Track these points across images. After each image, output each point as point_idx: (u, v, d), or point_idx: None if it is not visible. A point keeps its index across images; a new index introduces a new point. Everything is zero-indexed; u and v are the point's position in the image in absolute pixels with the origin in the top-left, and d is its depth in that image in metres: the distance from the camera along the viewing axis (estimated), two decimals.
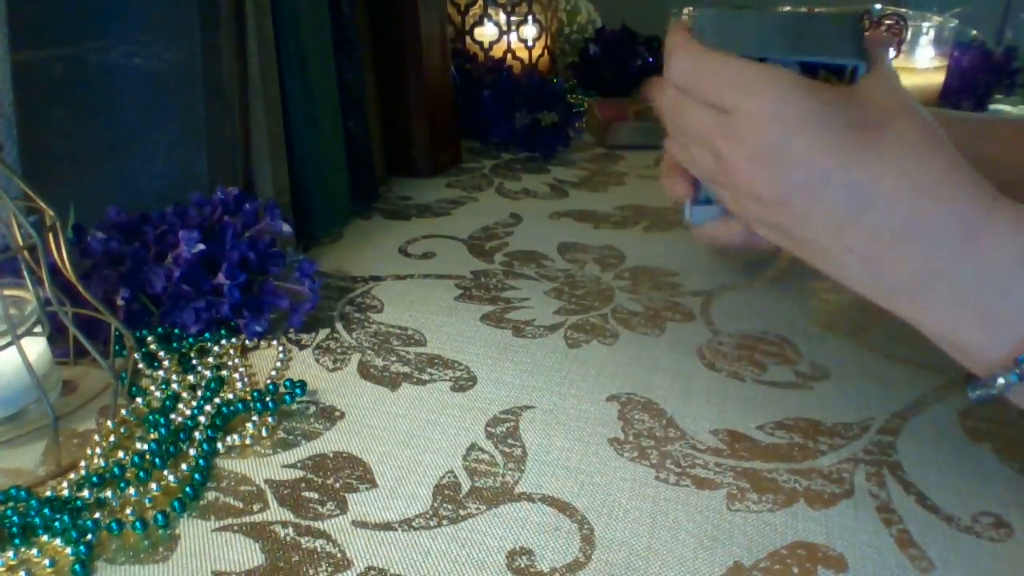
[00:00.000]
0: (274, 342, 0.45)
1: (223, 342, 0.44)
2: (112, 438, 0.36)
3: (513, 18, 0.95)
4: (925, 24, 0.93)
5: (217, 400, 0.39)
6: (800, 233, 0.33)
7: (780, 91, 0.32)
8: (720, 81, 0.34)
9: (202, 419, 0.37)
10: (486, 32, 0.95)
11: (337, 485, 0.34)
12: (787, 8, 0.95)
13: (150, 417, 0.37)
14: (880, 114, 0.32)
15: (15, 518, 0.31)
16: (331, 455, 0.36)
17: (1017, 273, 0.29)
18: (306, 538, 0.31)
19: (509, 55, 0.95)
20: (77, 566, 0.29)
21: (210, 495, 0.34)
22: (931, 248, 0.30)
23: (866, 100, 0.33)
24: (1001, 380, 0.29)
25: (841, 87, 0.33)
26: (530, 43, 0.96)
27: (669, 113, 0.37)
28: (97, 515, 0.32)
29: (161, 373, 0.41)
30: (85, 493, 0.33)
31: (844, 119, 0.32)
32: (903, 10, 0.88)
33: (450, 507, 0.33)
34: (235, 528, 0.32)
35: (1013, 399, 0.30)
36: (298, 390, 0.39)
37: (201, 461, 0.35)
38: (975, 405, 0.39)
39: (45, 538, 0.31)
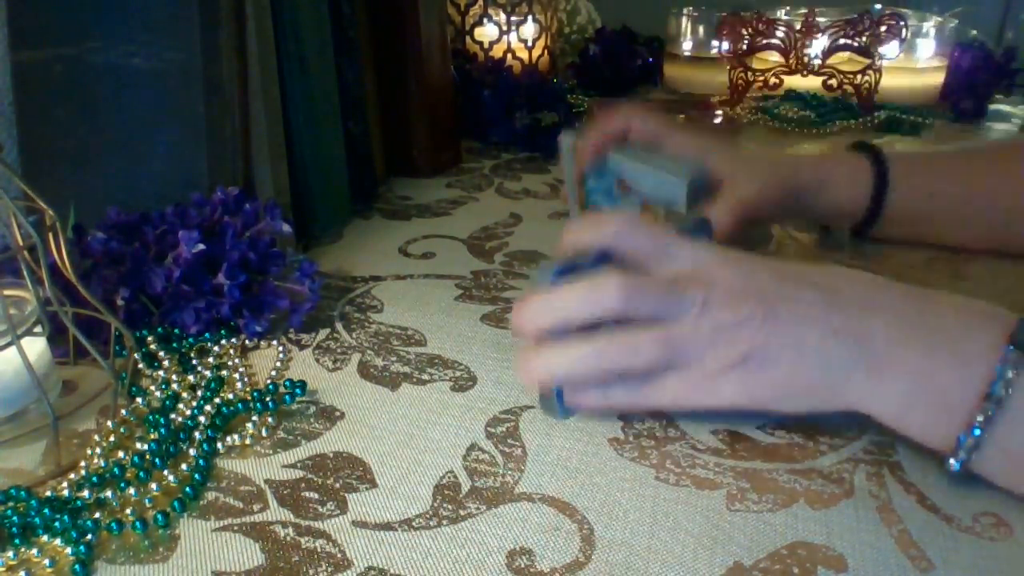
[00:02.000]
0: (274, 342, 0.45)
1: (223, 342, 0.44)
2: (112, 438, 0.36)
3: (513, 18, 0.95)
4: (925, 24, 0.93)
5: (217, 400, 0.39)
6: (790, 335, 0.33)
7: (731, 257, 0.37)
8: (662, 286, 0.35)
9: (202, 419, 0.37)
10: (486, 32, 0.95)
11: (337, 485, 0.34)
12: (786, 9, 0.95)
13: (150, 417, 0.37)
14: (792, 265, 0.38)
15: (15, 518, 0.31)
16: (331, 455, 0.36)
17: (968, 318, 0.33)
18: (306, 538, 0.31)
19: (509, 55, 0.95)
20: (77, 566, 0.29)
21: (210, 495, 0.34)
22: (900, 306, 0.34)
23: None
24: (981, 417, 0.31)
25: None
26: (530, 43, 0.96)
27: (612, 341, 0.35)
28: (97, 515, 0.32)
29: (161, 373, 0.41)
30: (85, 493, 0.33)
31: (774, 263, 0.37)
32: (903, 10, 0.88)
33: (450, 507, 0.33)
34: (235, 528, 0.32)
35: (988, 459, 0.32)
36: (298, 390, 0.39)
37: (201, 461, 0.35)
38: None
39: (45, 538, 0.31)
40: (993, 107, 0.92)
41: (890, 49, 0.87)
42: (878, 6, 0.92)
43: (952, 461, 0.32)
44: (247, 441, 0.37)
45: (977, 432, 0.31)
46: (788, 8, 0.97)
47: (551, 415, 0.38)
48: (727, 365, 0.34)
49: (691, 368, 0.34)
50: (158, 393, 0.40)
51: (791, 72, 0.92)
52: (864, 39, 0.86)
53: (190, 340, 0.44)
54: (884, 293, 0.35)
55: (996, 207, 0.52)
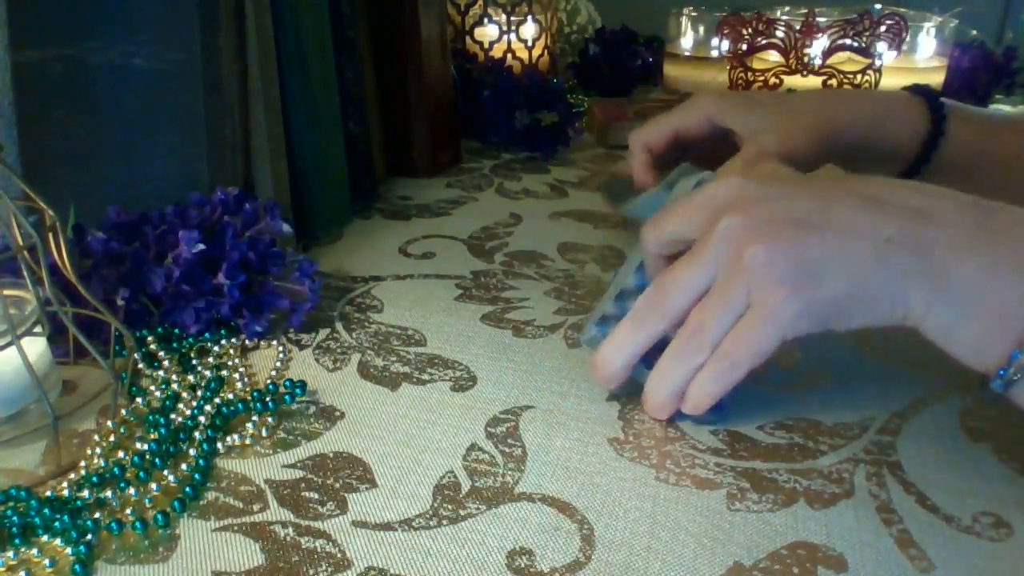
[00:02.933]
0: (274, 342, 0.45)
1: (223, 342, 0.44)
2: (112, 438, 0.36)
3: (513, 18, 0.95)
4: (925, 24, 0.93)
5: (217, 400, 0.39)
6: (839, 247, 0.32)
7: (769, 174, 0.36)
8: (692, 210, 0.35)
9: (202, 419, 0.37)
10: (486, 32, 0.95)
11: (337, 485, 0.34)
12: (786, 9, 0.95)
13: (150, 417, 0.37)
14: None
15: (15, 518, 0.31)
16: (331, 455, 0.36)
17: (1016, 270, 0.30)
18: (306, 538, 0.31)
19: (509, 55, 0.95)
20: (77, 566, 0.29)
21: (210, 495, 0.34)
22: (956, 216, 0.31)
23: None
24: (1010, 370, 0.30)
25: None
26: (530, 43, 0.96)
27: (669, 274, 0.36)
28: (97, 515, 0.32)
29: (161, 373, 0.41)
30: (85, 493, 0.33)
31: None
32: (903, 10, 0.88)
33: (450, 507, 0.33)
34: (235, 528, 0.32)
35: (1015, 397, 0.30)
36: (298, 390, 0.39)
37: (201, 461, 0.35)
38: (975, 405, 0.39)
39: (45, 538, 0.31)
40: (993, 107, 0.92)
41: (890, 49, 0.87)
42: (878, 6, 0.92)
43: (996, 382, 0.30)
44: (247, 441, 0.37)
45: None
46: (788, 8, 0.97)
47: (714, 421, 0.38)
48: (781, 292, 0.32)
49: (752, 310, 0.33)
50: (158, 393, 0.40)
51: (791, 72, 0.92)
52: (864, 39, 0.86)
53: (190, 340, 0.44)
54: (939, 200, 0.32)
55: None
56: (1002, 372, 0.30)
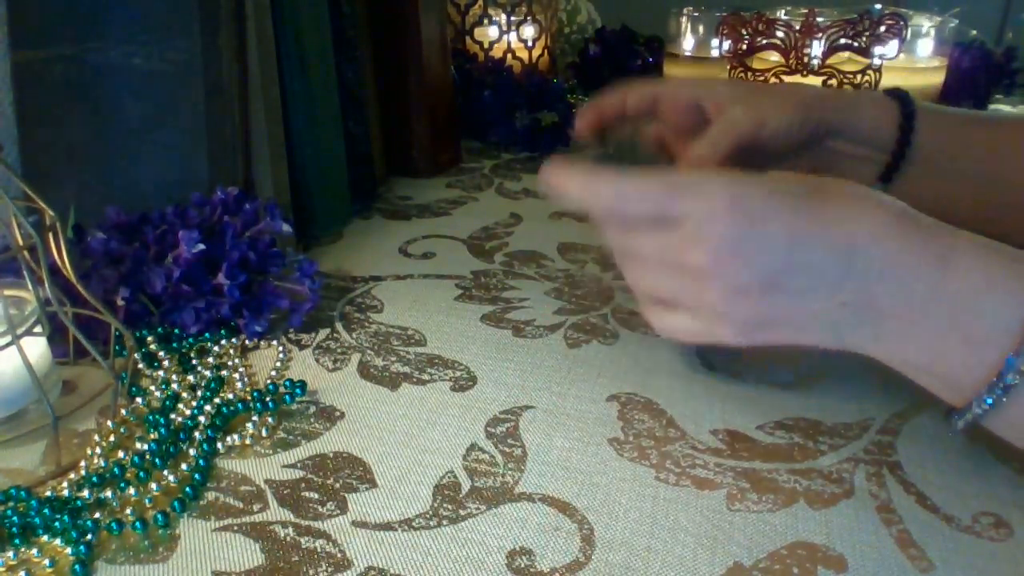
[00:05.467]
0: (274, 342, 0.45)
1: (223, 342, 0.44)
2: (112, 438, 0.36)
3: (513, 18, 0.95)
4: (925, 24, 0.93)
5: (217, 400, 0.39)
6: (795, 310, 0.33)
7: (726, 184, 0.33)
8: (659, 196, 0.34)
9: (202, 419, 0.37)
10: (486, 32, 0.95)
11: (337, 485, 0.34)
12: (786, 9, 0.95)
13: (150, 417, 0.37)
14: (809, 183, 0.34)
15: (15, 518, 0.31)
16: (331, 455, 0.36)
17: (987, 296, 0.30)
18: (306, 538, 0.31)
19: (509, 55, 0.95)
20: (77, 566, 0.29)
21: (210, 495, 0.34)
22: (911, 282, 0.32)
23: (786, 178, 0.35)
24: (989, 399, 0.30)
25: (758, 174, 0.35)
26: (530, 43, 0.96)
27: (618, 250, 0.37)
28: (97, 515, 0.32)
29: (161, 373, 0.41)
30: (85, 493, 0.33)
31: (794, 190, 0.34)
32: (903, 10, 0.88)
33: (450, 507, 0.33)
34: (235, 528, 0.32)
35: (992, 425, 0.31)
36: (298, 390, 0.39)
37: (201, 461, 0.35)
38: None
39: (45, 538, 0.31)
40: (993, 107, 0.92)
41: (890, 49, 0.87)
42: (878, 6, 0.92)
43: (957, 421, 0.32)
44: (247, 441, 0.37)
45: (981, 409, 0.30)
46: (788, 8, 0.97)
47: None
48: (732, 323, 0.34)
49: (694, 316, 0.35)
50: (158, 393, 0.40)
51: (791, 72, 0.92)
52: (864, 39, 0.86)
53: (190, 340, 0.44)
54: (905, 255, 0.32)
55: (1015, 178, 0.48)
56: (957, 420, 0.32)
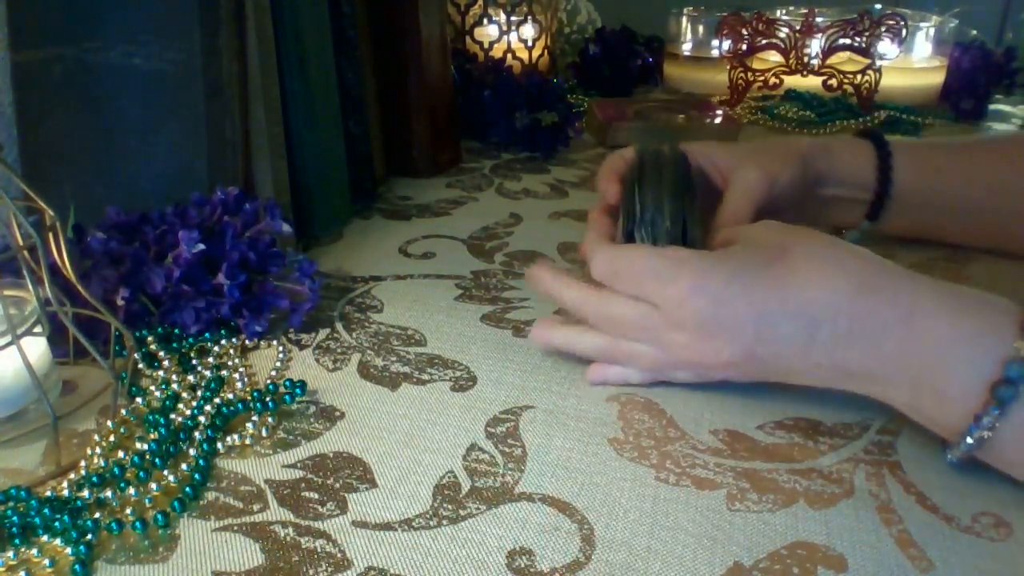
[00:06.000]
0: (274, 342, 0.45)
1: (223, 342, 0.44)
2: (112, 438, 0.36)
3: (513, 18, 0.95)
4: (925, 24, 0.93)
5: (217, 400, 0.39)
6: (777, 369, 0.37)
7: (692, 271, 0.36)
8: (637, 274, 0.38)
9: (202, 419, 0.37)
10: (486, 32, 0.95)
11: (337, 485, 0.34)
12: (787, 8, 0.95)
13: (150, 417, 0.37)
14: (775, 248, 0.36)
15: (15, 518, 0.31)
16: (331, 455, 0.36)
17: (952, 348, 0.32)
18: (306, 538, 0.31)
19: (509, 55, 0.95)
20: (77, 566, 0.29)
21: (210, 495, 0.34)
22: (880, 343, 0.33)
23: (758, 241, 0.37)
24: (969, 440, 0.32)
25: (726, 249, 0.38)
26: (530, 43, 0.96)
27: (595, 309, 0.40)
28: (97, 515, 0.32)
29: (161, 373, 0.41)
30: (85, 493, 0.33)
31: (756, 264, 0.36)
32: (903, 10, 0.88)
33: (450, 507, 0.33)
34: (235, 528, 0.32)
35: (984, 459, 0.33)
36: (298, 390, 0.39)
37: (201, 461, 0.35)
38: None
39: (45, 538, 0.31)
40: (993, 107, 0.92)
41: (890, 49, 0.87)
42: (878, 6, 0.92)
43: (948, 455, 0.34)
44: (247, 441, 0.37)
45: (966, 447, 0.32)
46: (788, 8, 0.97)
47: None
48: (687, 378, 0.40)
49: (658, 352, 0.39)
50: (158, 393, 0.40)
51: (791, 72, 0.92)
52: (864, 39, 0.86)
53: (190, 340, 0.44)
54: (868, 321, 0.33)
55: (995, 200, 0.51)
56: (948, 452, 0.34)
